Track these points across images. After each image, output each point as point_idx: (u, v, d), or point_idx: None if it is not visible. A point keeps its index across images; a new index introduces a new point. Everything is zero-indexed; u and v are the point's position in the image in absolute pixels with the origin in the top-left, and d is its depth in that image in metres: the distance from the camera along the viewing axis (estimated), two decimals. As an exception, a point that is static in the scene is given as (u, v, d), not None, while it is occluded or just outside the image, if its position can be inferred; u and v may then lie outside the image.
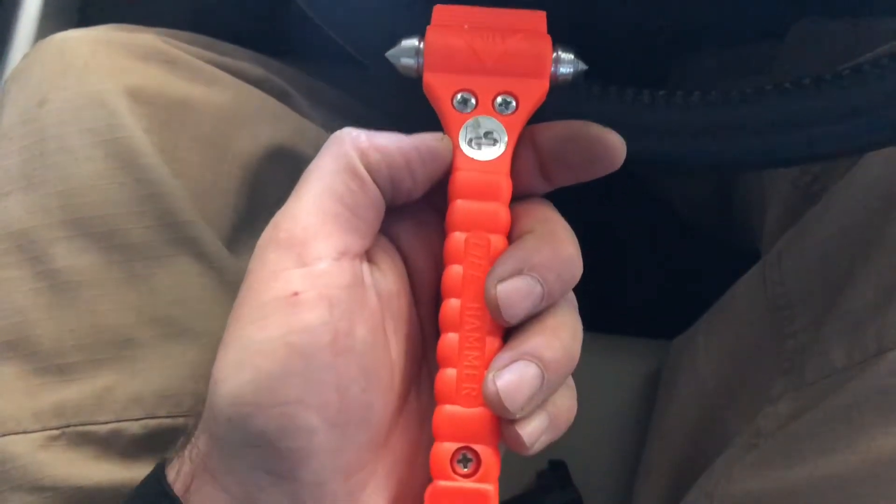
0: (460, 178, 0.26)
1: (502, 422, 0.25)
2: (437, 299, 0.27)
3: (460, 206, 0.26)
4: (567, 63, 0.28)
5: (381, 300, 0.26)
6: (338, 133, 0.26)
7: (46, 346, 0.34)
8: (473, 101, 0.27)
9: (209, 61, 0.41)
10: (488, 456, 0.25)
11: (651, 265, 0.67)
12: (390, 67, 0.31)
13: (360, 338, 0.24)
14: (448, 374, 0.25)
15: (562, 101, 0.34)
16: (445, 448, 0.25)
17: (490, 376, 0.24)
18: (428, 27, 0.28)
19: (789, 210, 0.46)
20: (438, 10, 0.28)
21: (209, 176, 0.38)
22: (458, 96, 0.27)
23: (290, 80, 0.46)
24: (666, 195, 0.65)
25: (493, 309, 0.25)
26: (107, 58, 0.38)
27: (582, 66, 0.28)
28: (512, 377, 0.24)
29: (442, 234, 0.27)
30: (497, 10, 0.28)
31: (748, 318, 0.45)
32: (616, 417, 0.53)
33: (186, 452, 0.25)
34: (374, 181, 0.25)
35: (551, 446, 0.51)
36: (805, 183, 0.45)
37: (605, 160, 0.26)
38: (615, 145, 0.26)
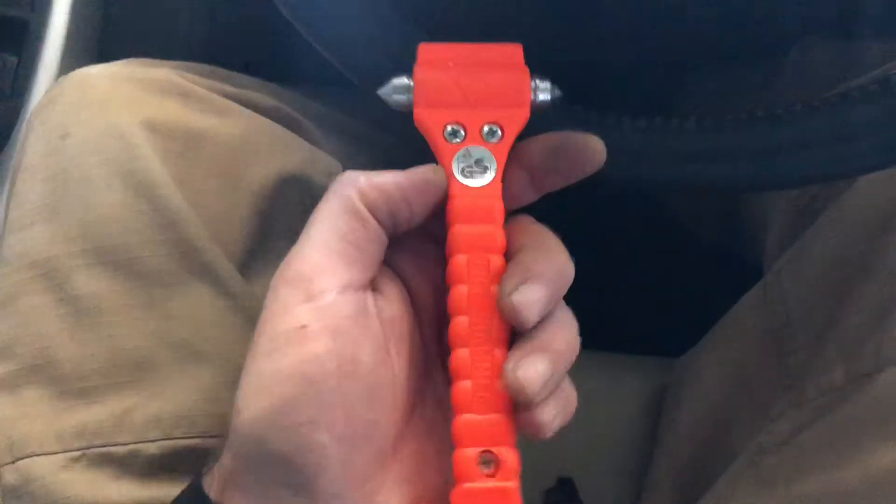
0: (457, 205, 0.29)
1: (521, 412, 0.27)
2: (438, 320, 0.29)
3: (459, 231, 0.28)
4: (544, 90, 0.30)
5: (385, 325, 0.28)
6: (339, 177, 0.28)
7: (68, 370, 0.35)
8: (463, 132, 0.29)
9: (222, 93, 0.43)
10: (508, 456, 0.27)
11: (657, 284, 0.67)
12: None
13: (363, 362, 0.26)
14: (463, 386, 0.27)
15: (556, 126, 0.35)
16: (468, 453, 0.27)
17: (510, 366, 0.26)
18: (415, 66, 0.30)
19: (789, 229, 0.47)
20: (423, 48, 0.30)
21: (223, 204, 0.39)
22: (449, 128, 0.29)
23: (301, 109, 0.48)
24: (673, 214, 0.66)
25: (512, 317, 0.27)
26: (125, 92, 0.40)
27: (558, 92, 0.31)
28: (528, 366, 0.26)
29: (439, 258, 0.29)
30: (477, 45, 0.31)
31: (750, 336, 0.46)
32: (622, 434, 0.53)
33: (215, 470, 0.27)
34: (375, 217, 0.28)
35: (559, 463, 0.52)
36: (804, 203, 0.46)
37: (590, 162, 0.29)
38: (597, 147, 0.29)
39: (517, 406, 0.27)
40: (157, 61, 0.44)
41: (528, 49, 0.31)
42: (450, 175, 0.29)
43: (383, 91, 0.30)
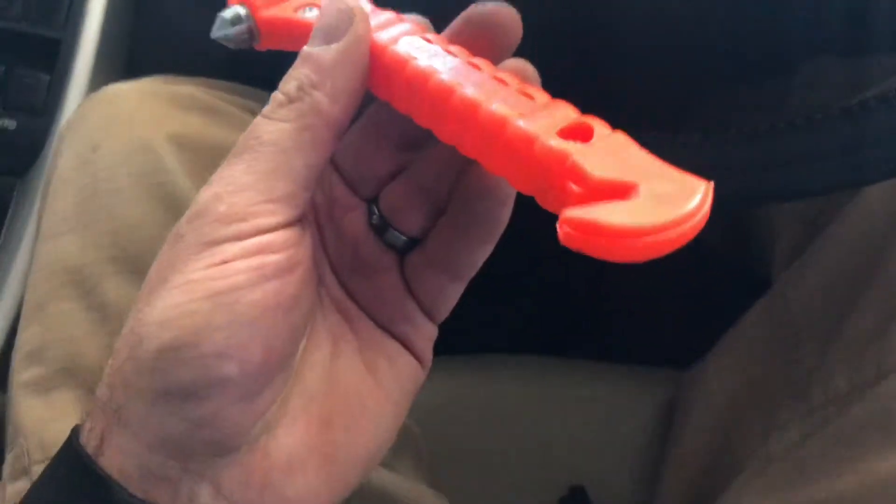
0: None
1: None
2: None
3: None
4: None
5: (308, 252, 0.25)
6: (296, 94, 0.24)
7: (97, 373, 0.37)
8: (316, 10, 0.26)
9: (245, 109, 0.45)
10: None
11: (668, 296, 0.68)
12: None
13: (287, 295, 0.23)
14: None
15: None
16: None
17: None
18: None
19: (796, 241, 0.48)
20: None
21: None
22: (302, 11, 0.27)
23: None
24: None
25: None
26: (152, 108, 0.42)
27: None
28: None
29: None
30: None
31: (757, 346, 0.47)
32: (634, 444, 0.54)
33: (99, 409, 0.24)
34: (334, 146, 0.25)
35: (571, 473, 0.53)
36: (811, 216, 0.47)
37: (506, 32, 0.26)
38: (509, 14, 0.26)
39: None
40: (183, 78, 0.46)
41: (537, 65, 0.31)
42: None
43: (216, 30, 0.27)
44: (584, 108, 0.37)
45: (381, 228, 0.27)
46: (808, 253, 0.45)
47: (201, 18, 0.60)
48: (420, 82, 0.24)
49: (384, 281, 0.28)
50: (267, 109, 0.24)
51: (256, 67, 0.55)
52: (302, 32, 0.26)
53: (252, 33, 0.27)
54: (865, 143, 0.34)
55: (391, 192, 0.27)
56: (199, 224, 0.23)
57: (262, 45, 0.27)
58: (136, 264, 0.38)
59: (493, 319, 0.69)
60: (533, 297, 0.72)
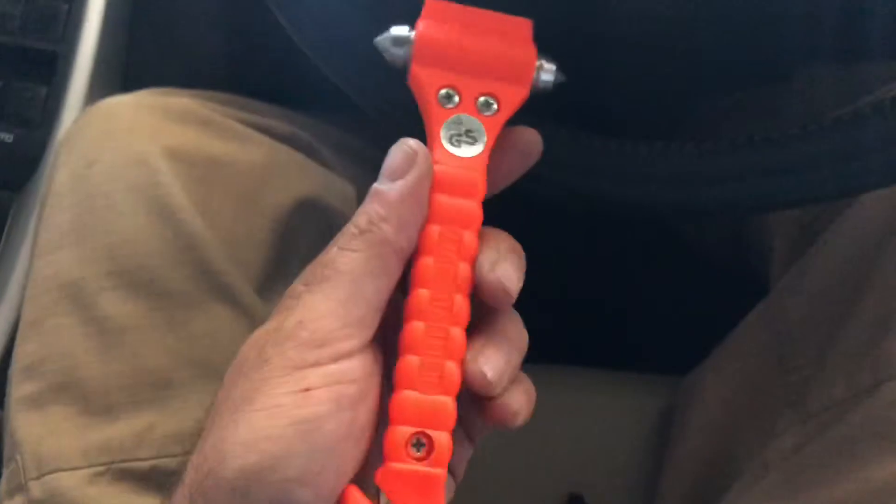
0: (440, 172, 0.27)
1: (488, 402, 0.27)
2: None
3: (438, 200, 0.27)
4: (548, 72, 0.29)
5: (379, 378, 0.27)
6: (360, 219, 0.27)
7: (93, 388, 0.37)
8: (457, 98, 0.28)
9: (240, 121, 0.45)
10: (442, 441, 0.26)
11: (665, 302, 0.68)
12: (382, 108, 0.33)
13: (360, 422, 0.26)
14: (410, 361, 0.26)
15: (558, 152, 0.36)
16: (401, 431, 0.26)
17: (471, 355, 0.27)
18: (419, 20, 0.28)
19: (793, 248, 0.48)
20: (430, 4, 0.29)
21: (242, 228, 0.41)
22: (444, 91, 0.28)
23: (318, 135, 0.49)
24: (681, 233, 0.67)
25: (495, 291, 0.27)
26: (148, 121, 0.42)
27: (562, 77, 0.30)
28: (491, 355, 0.27)
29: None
30: (487, 12, 0.29)
31: (754, 353, 0.47)
32: (632, 451, 0.54)
33: None
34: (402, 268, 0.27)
35: (570, 480, 0.53)
36: (807, 222, 0.47)
37: (530, 155, 0.30)
38: (532, 139, 0.29)
39: (482, 396, 0.26)
40: (179, 90, 0.46)
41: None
42: (436, 140, 0.28)
43: (381, 40, 0.28)
44: (577, 117, 0.37)
45: None
46: (804, 260, 0.45)
47: (198, 32, 0.60)
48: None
49: None
50: (342, 241, 0.27)
51: (253, 80, 0.55)
52: (424, 112, 0.28)
53: (405, 66, 0.28)
54: (859, 151, 0.35)
55: None
56: (285, 349, 0.25)
57: (409, 80, 0.28)
58: (133, 278, 0.38)
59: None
60: (530, 306, 0.72)
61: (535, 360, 0.58)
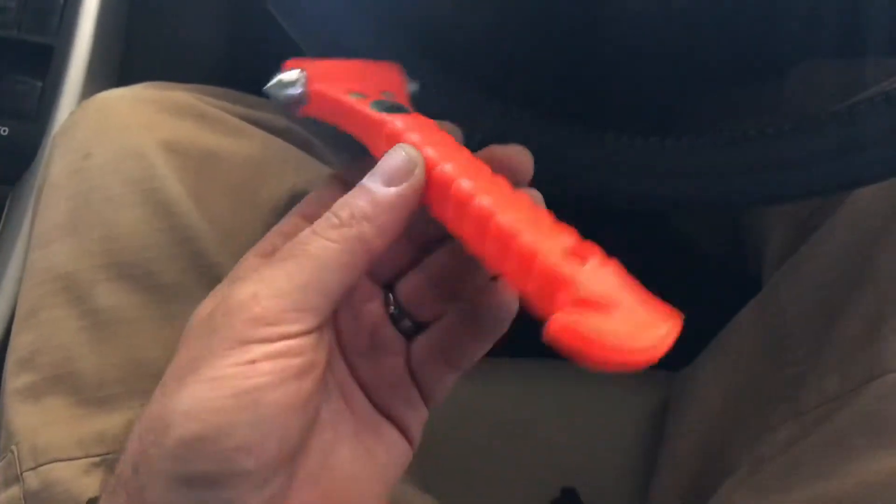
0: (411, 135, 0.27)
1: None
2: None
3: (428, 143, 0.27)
4: (412, 82, 0.32)
5: (327, 353, 0.27)
6: (348, 221, 0.26)
7: (89, 380, 0.37)
8: (363, 96, 0.29)
9: (236, 115, 0.45)
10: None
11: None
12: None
13: (305, 394, 0.25)
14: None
15: (556, 146, 0.36)
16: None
17: None
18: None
19: (789, 243, 0.48)
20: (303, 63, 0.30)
21: (237, 221, 0.41)
22: (351, 94, 0.29)
23: (312, 129, 0.49)
24: (676, 229, 0.68)
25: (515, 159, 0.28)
26: (144, 114, 0.42)
27: (415, 86, 0.32)
28: None
29: None
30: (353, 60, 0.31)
31: (749, 348, 0.47)
32: (627, 446, 0.54)
33: (121, 486, 0.26)
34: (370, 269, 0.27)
35: (563, 474, 0.53)
36: (802, 218, 0.47)
37: (521, 172, 0.29)
38: (523, 157, 0.29)
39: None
40: (175, 84, 0.46)
41: (531, 70, 0.32)
42: (381, 117, 0.28)
43: (272, 86, 0.29)
44: (576, 110, 0.37)
45: (397, 317, 0.30)
46: (799, 254, 0.45)
47: (194, 26, 0.60)
48: (456, 197, 0.26)
49: (391, 365, 0.30)
50: (319, 226, 0.26)
51: (248, 74, 0.55)
52: (346, 112, 0.29)
53: (302, 99, 0.29)
54: (855, 146, 0.35)
55: (408, 283, 0.30)
56: (233, 321, 0.25)
57: (305, 112, 0.29)
58: (129, 270, 0.38)
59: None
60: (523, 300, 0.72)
61: (531, 355, 0.58)
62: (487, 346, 0.30)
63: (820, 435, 0.39)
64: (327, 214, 0.27)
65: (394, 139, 0.28)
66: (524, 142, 0.37)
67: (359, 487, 0.28)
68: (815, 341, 0.42)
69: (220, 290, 0.27)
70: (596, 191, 0.37)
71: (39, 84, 0.48)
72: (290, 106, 0.29)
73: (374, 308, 0.30)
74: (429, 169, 0.27)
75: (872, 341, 0.38)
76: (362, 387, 0.30)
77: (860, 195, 0.42)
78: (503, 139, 0.34)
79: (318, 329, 0.26)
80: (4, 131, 0.47)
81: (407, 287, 0.30)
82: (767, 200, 0.44)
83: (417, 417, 0.30)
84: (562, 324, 0.23)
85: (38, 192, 0.43)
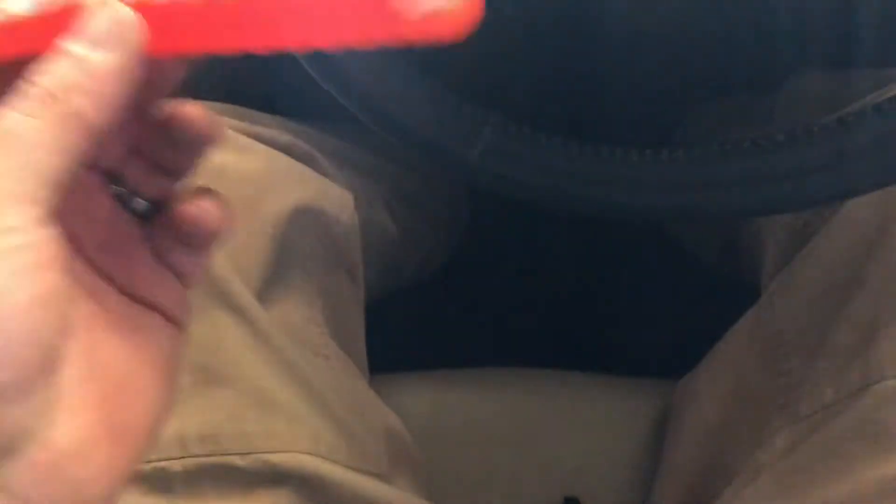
0: None
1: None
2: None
3: None
4: None
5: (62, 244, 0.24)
6: (55, 93, 0.22)
7: None
8: None
9: (241, 131, 0.46)
10: None
11: (660, 307, 0.69)
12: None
13: (48, 288, 0.22)
14: None
15: (552, 160, 0.37)
16: None
17: None
18: None
19: (784, 252, 0.49)
20: None
21: (242, 235, 0.41)
22: None
23: (315, 144, 0.50)
24: (675, 238, 0.68)
25: None
26: None
27: None
28: None
29: None
30: None
31: (746, 356, 0.47)
32: (627, 455, 0.55)
33: None
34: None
35: (565, 484, 0.53)
36: (798, 227, 0.48)
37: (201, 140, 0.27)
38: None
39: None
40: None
41: (527, 82, 0.32)
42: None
43: None
44: (572, 123, 0.38)
45: (125, 198, 0.27)
46: (794, 263, 0.46)
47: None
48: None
49: (134, 253, 0.27)
50: (14, 100, 0.22)
51: (251, 90, 0.56)
52: None
53: None
54: (847, 157, 0.36)
55: (130, 164, 0.27)
56: None
57: None
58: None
59: (487, 333, 0.70)
60: (525, 310, 0.73)
61: (531, 364, 0.59)
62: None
63: (816, 442, 0.39)
64: (23, 86, 0.22)
65: None
66: (522, 154, 0.37)
67: (136, 381, 0.26)
68: (810, 349, 0.43)
69: None
70: (592, 203, 0.38)
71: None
72: None
73: (99, 194, 0.27)
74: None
75: (867, 349, 0.38)
76: (109, 280, 0.27)
77: (853, 205, 0.43)
78: (501, 152, 0.35)
79: (44, 221, 0.22)
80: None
81: (131, 170, 0.27)
82: (761, 211, 0.45)
83: (175, 298, 0.28)
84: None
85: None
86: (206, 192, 0.27)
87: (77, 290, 0.26)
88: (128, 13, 0.23)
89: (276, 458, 0.39)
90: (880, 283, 0.40)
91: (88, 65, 0.23)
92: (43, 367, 0.23)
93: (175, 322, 0.28)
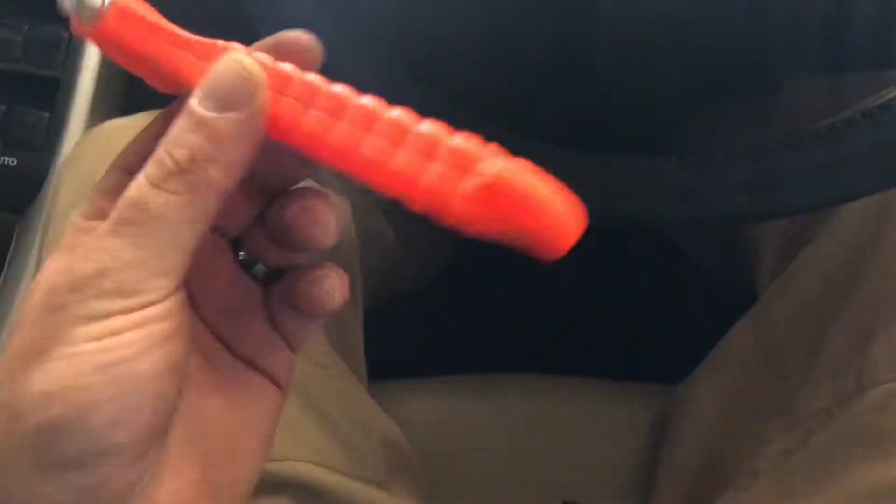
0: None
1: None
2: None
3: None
4: None
5: (188, 314, 0.25)
6: (188, 165, 0.23)
7: None
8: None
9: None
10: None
11: (659, 311, 0.69)
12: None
13: (174, 360, 0.23)
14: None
15: (548, 168, 0.37)
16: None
17: None
18: None
19: (781, 258, 0.49)
20: None
21: None
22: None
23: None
24: (672, 243, 0.68)
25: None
26: None
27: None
28: None
29: None
30: None
31: (743, 361, 0.48)
32: (626, 459, 0.55)
33: None
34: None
35: (564, 488, 0.53)
36: (794, 232, 0.48)
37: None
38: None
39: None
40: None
41: (527, 92, 0.32)
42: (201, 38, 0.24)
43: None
44: (564, 132, 0.38)
45: (248, 264, 0.28)
46: (791, 268, 0.46)
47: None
48: (329, 101, 0.24)
49: (249, 315, 0.28)
50: (155, 176, 0.23)
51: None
52: (158, 34, 0.25)
53: (99, 14, 0.24)
54: (839, 163, 0.36)
55: (254, 232, 0.27)
56: (85, 296, 0.22)
57: (99, 32, 0.24)
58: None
59: (485, 339, 0.70)
60: (523, 316, 0.73)
61: (530, 370, 0.59)
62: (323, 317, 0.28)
63: (813, 447, 0.39)
64: (160, 157, 0.23)
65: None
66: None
67: (236, 443, 0.27)
68: (806, 354, 0.43)
69: (54, 262, 0.24)
70: (590, 212, 0.38)
71: (47, 115, 0.49)
72: (83, 20, 0.24)
73: (223, 260, 0.27)
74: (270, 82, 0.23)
75: (863, 353, 0.39)
76: (221, 341, 0.28)
77: (847, 209, 0.43)
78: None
79: (177, 288, 0.23)
80: (13, 162, 0.49)
81: (254, 236, 0.27)
82: (757, 217, 0.45)
83: (283, 363, 0.28)
84: (502, 169, 0.22)
85: (46, 221, 0.44)
86: (327, 265, 0.27)
87: (191, 349, 0.26)
88: (250, 66, 0.23)
89: (274, 467, 0.39)
90: (874, 287, 0.40)
91: (214, 129, 0.23)
92: (157, 432, 0.24)
93: (279, 385, 0.28)
